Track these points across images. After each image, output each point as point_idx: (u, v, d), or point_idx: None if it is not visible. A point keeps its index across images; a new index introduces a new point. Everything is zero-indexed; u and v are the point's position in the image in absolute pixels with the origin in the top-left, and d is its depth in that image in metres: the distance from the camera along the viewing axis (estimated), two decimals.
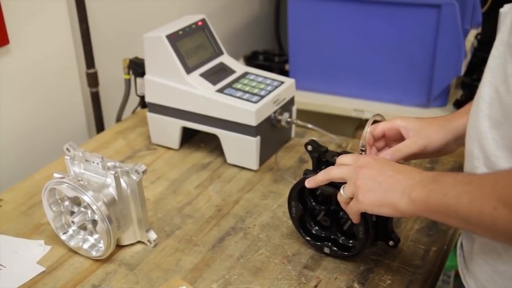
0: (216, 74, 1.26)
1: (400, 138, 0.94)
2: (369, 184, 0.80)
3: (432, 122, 0.93)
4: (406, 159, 0.94)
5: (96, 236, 0.98)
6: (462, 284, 0.84)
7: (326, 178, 0.87)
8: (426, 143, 0.91)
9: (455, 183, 0.70)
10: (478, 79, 1.83)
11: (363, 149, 0.92)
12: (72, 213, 0.98)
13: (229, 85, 1.24)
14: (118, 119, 1.48)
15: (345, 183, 0.84)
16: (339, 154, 0.95)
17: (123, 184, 0.96)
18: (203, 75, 1.24)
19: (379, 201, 0.78)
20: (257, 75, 1.29)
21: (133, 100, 1.44)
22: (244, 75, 1.29)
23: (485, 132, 0.73)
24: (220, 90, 1.22)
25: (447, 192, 0.70)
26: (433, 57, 1.68)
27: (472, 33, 1.90)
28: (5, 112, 1.29)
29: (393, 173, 0.79)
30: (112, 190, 0.96)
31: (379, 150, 0.97)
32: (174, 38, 1.22)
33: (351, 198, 0.83)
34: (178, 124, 1.27)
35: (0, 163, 1.29)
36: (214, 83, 1.23)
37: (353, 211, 0.84)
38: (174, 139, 1.29)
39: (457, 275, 1.87)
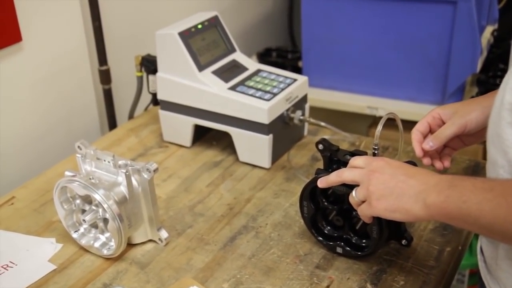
0: (229, 72, 1.25)
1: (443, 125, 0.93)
2: (382, 189, 0.79)
3: (470, 102, 0.92)
4: (453, 147, 0.93)
5: (107, 234, 0.98)
6: (482, 284, 0.83)
7: (338, 180, 0.87)
8: (465, 122, 0.89)
9: (474, 189, 0.68)
10: (494, 76, 1.83)
11: (376, 147, 0.91)
12: (83, 211, 0.98)
13: (241, 83, 1.23)
14: (131, 116, 1.48)
15: (358, 184, 0.83)
16: (350, 153, 0.94)
17: (134, 182, 0.96)
18: (215, 72, 1.23)
19: (392, 206, 0.78)
20: (270, 73, 1.28)
21: (145, 98, 1.44)
22: (257, 72, 1.28)
23: (509, 140, 0.70)
24: (233, 88, 1.21)
25: (467, 199, 0.68)
26: (449, 54, 1.66)
27: (489, 30, 1.87)
28: (18, 108, 1.29)
29: (405, 178, 0.78)
30: (123, 189, 0.96)
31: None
32: (186, 35, 1.22)
33: (363, 201, 0.83)
34: (190, 122, 1.26)
35: (13, 161, 1.30)
36: (226, 80, 1.23)
37: (365, 214, 0.83)
38: (186, 137, 1.29)
39: (471, 274, 1.85)
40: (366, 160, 0.84)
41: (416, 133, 0.94)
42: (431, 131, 0.94)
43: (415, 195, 0.75)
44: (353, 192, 0.84)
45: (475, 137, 0.93)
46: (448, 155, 0.97)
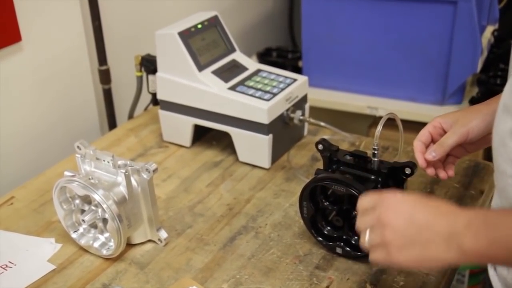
0: (228, 72, 1.25)
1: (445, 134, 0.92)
2: (401, 239, 0.69)
3: (470, 110, 0.91)
4: (455, 155, 0.93)
5: (106, 234, 0.98)
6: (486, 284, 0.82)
7: (359, 231, 0.77)
8: (466, 130, 0.89)
9: None
10: (495, 76, 1.82)
11: (376, 148, 0.91)
12: (82, 211, 0.98)
13: (241, 83, 1.23)
14: (130, 116, 1.47)
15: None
16: (350, 153, 0.94)
17: (133, 182, 0.96)
18: (215, 72, 1.23)
19: (418, 258, 0.69)
20: (270, 73, 1.28)
21: (145, 97, 1.43)
22: (257, 72, 1.28)
23: None
24: (232, 88, 1.21)
25: None
26: (449, 54, 1.66)
27: (489, 30, 1.87)
28: (17, 108, 1.29)
29: (426, 222, 0.68)
30: (122, 189, 0.95)
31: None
32: (186, 35, 1.22)
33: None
34: (190, 122, 1.26)
35: (13, 161, 1.29)
36: (226, 80, 1.22)
37: (381, 261, 0.73)
38: (185, 137, 1.29)
39: (471, 275, 1.85)
40: (375, 199, 0.75)
41: (418, 143, 0.92)
42: (432, 140, 0.94)
43: (445, 241, 0.66)
44: (366, 237, 0.74)
45: (477, 144, 0.92)
46: (451, 164, 0.96)
